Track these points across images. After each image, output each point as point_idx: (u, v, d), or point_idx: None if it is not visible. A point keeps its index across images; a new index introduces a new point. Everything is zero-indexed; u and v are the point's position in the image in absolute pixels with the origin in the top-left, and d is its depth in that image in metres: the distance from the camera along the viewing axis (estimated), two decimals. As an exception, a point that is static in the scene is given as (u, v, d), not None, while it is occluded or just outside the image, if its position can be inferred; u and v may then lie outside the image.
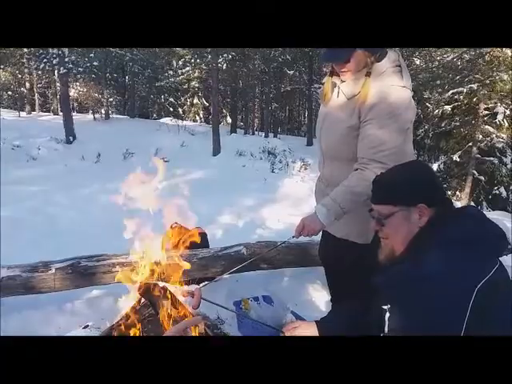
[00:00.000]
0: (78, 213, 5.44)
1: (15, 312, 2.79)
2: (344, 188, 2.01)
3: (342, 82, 1.99)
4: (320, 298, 3.23)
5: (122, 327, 1.91)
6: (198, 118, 22.30)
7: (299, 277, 3.44)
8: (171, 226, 3.67)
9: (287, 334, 1.83)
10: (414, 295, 1.31)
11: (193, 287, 2.06)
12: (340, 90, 2.02)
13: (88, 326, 2.38)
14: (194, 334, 1.80)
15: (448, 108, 10.51)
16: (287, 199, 6.61)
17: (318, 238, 3.59)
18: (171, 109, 22.78)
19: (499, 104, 9.69)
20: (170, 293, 1.96)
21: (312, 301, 3.22)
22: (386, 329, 1.39)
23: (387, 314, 1.40)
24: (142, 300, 2.00)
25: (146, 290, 1.96)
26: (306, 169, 8.98)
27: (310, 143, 17.78)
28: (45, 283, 2.76)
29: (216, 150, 10.23)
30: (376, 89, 1.88)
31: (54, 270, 2.79)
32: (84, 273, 2.85)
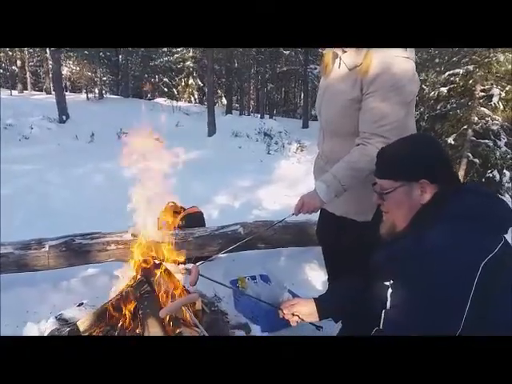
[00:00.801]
0: (71, 192, 5.37)
1: (10, 289, 2.76)
2: (345, 164, 1.97)
3: (344, 52, 1.93)
4: (317, 278, 3.22)
5: (118, 303, 1.88)
6: (192, 98, 22.06)
7: (296, 256, 3.42)
8: (167, 205, 3.64)
9: (285, 311, 1.81)
10: (417, 270, 1.28)
11: (190, 265, 2.03)
12: (341, 60, 1.96)
13: (83, 303, 2.35)
14: (191, 311, 1.78)
15: (444, 90, 10.43)
16: (283, 180, 6.57)
17: (315, 217, 3.58)
18: (165, 89, 22.49)
19: (495, 86, 9.63)
20: (167, 270, 1.93)
21: (309, 280, 3.21)
22: (388, 305, 1.37)
23: (389, 290, 1.37)
24: (138, 277, 1.97)
25: (143, 267, 1.93)
26: (302, 150, 8.93)
27: (305, 125, 17.67)
28: (38, 261, 2.73)
29: (211, 131, 10.13)
30: (379, 59, 1.82)
31: (47, 248, 2.75)
32: (78, 250, 2.82)
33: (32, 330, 2.27)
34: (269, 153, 8.75)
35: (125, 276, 2.07)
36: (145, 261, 1.94)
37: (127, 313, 1.86)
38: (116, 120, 10.53)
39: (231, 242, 3.15)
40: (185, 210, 3.48)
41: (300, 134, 11.20)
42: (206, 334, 1.64)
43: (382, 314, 1.39)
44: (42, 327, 2.27)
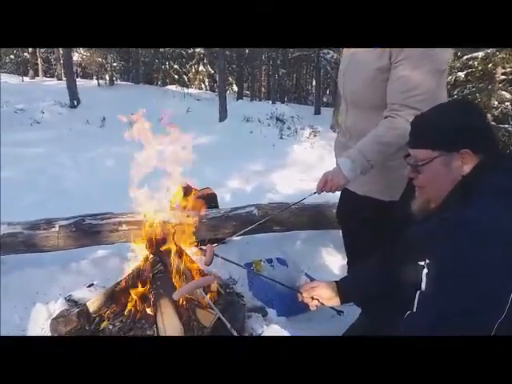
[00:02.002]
0: (83, 175, 5.30)
1: (19, 270, 2.70)
2: (371, 138, 1.84)
3: None
4: (334, 262, 3.10)
5: (129, 284, 1.78)
6: (203, 85, 21.87)
7: (312, 240, 3.31)
8: (179, 186, 3.54)
9: (305, 294, 1.71)
10: (458, 248, 1.16)
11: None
12: None
13: (93, 284, 2.27)
14: (207, 292, 1.68)
15: (461, 75, 10.15)
16: (297, 165, 6.43)
17: (333, 199, 3.46)
18: (176, 76, 22.31)
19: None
20: (181, 249, 1.83)
21: (325, 265, 3.09)
22: (423, 286, 1.25)
23: (425, 271, 1.25)
24: (151, 256, 1.87)
25: (156, 246, 1.83)
26: (315, 135, 8.76)
27: (317, 112, 17.43)
28: (48, 241, 2.65)
29: (223, 116, 9.99)
30: None
31: (57, 228, 2.67)
32: (88, 231, 2.73)
33: (41, 311, 2.19)
34: (281, 137, 8.59)
35: (137, 256, 1.96)
36: (158, 240, 1.84)
37: (139, 293, 1.77)
38: (127, 105, 10.40)
39: (245, 224, 3.04)
40: (198, 191, 3.38)
41: (312, 120, 11.01)
42: (222, 317, 1.54)
43: (416, 297, 1.27)
44: (51, 308, 2.20)
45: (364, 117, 1.99)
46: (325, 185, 1.88)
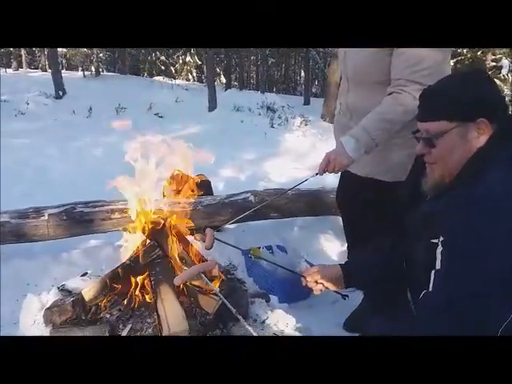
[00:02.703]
0: (71, 165, 5.16)
1: (8, 262, 2.60)
2: (376, 115, 1.78)
3: None
4: (333, 248, 3.05)
5: (126, 270, 1.70)
6: (190, 76, 21.59)
7: (310, 226, 3.25)
8: (172, 174, 3.45)
9: (308, 278, 1.66)
10: (471, 225, 1.11)
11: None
12: None
13: (87, 273, 2.18)
14: (208, 278, 1.61)
15: (451, 62, 10.15)
16: (289, 153, 6.36)
17: (330, 184, 3.40)
18: (163, 67, 21.99)
19: (504, 57, 9.34)
20: (180, 232, 1.75)
21: (324, 251, 3.04)
22: (438, 264, 1.19)
23: (439, 249, 1.19)
24: (148, 242, 1.78)
25: (153, 231, 1.75)
26: (306, 124, 8.67)
27: (307, 102, 17.32)
28: (37, 230, 2.55)
29: (212, 106, 9.85)
30: None
31: (46, 217, 2.57)
32: (80, 219, 2.64)
33: (33, 302, 2.10)
34: (272, 126, 8.49)
35: (132, 242, 1.88)
36: (154, 224, 1.76)
37: (137, 280, 1.69)
38: (114, 96, 10.24)
39: (242, 211, 2.97)
40: (191, 178, 3.29)
41: (302, 110, 10.90)
42: (226, 302, 1.47)
43: (432, 275, 1.21)
44: (43, 299, 2.10)
45: (366, 95, 1.92)
46: (327, 165, 1.82)
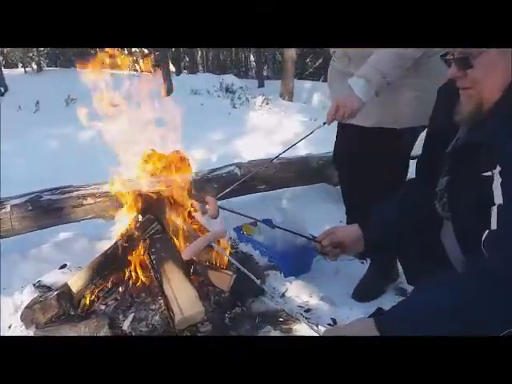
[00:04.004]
0: (28, 160, 4.72)
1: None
2: (387, 51, 1.60)
3: None
4: (331, 217, 2.87)
5: (120, 251, 1.44)
6: (137, 67, 20.85)
7: (301, 196, 3.06)
8: (145, 153, 3.15)
9: (324, 242, 1.48)
10: None
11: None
12: None
13: (66, 265, 1.89)
14: (217, 248, 1.38)
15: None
16: (257, 131, 6.12)
17: (318, 149, 3.22)
18: (107, 59, 21.04)
19: None
20: (176, 202, 1.50)
21: (322, 221, 2.84)
22: (499, 198, 1.02)
23: (496, 181, 1.03)
24: (142, 216, 1.52)
25: (147, 203, 1.50)
26: (267, 103, 8.45)
27: (261, 85, 17.08)
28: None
29: (168, 90, 9.42)
30: None
31: (9, 208, 2.23)
32: (48, 208, 2.32)
33: (5, 304, 1.79)
34: (234, 107, 8.20)
35: (122, 215, 1.61)
36: (148, 195, 1.50)
37: (135, 260, 1.43)
38: (60, 88, 9.60)
39: (228, 185, 2.74)
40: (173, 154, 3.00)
41: (259, 92, 10.68)
42: (248, 273, 1.25)
43: (493, 212, 1.04)
44: (17, 300, 1.80)
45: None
46: (336, 112, 1.63)
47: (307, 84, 12.40)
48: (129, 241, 1.42)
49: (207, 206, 1.51)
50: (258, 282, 1.23)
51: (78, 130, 5.24)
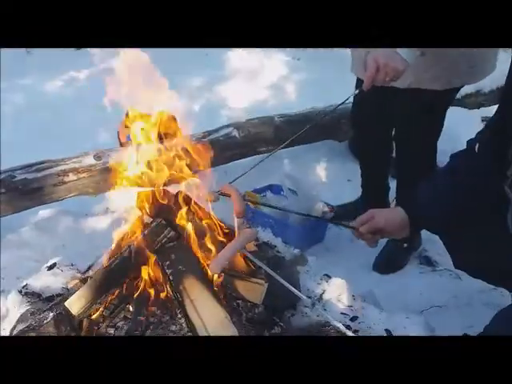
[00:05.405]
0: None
1: None
2: None
3: None
4: (342, 180, 2.65)
5: (126, 265, 1.18)
6: None
7: (304, 156, 2.80)
8: (125, 114, 2.78)
9: (363, 229, 1.29)
10: None
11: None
12: None
13: (55, 264, 1.62)
14: (247, 253, 1.15)
15: None
16: (239, 74, 5.69)
17: (320, 103, 2.92)
18: None
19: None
20: (187, 197, 1.23)
21: (333, 185, 2.63)
22: None
23: None
24: (146, 219, 1.25)
25: (156, 204, 1.22)
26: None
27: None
28: (-31, 213, 1.90)
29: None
30: None
31: (-23, 193, 1.91)
32: (24, 190, 2.01)
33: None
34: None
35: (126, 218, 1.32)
36: (155, 193, 1.22)
37: (146, 276, 1.18)
38: None
39: (226, 149, 2.47)
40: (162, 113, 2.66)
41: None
42: (287, 284, 1.05)
43: None
44: (1, 307, 1.55)
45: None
46: (377, 73, 1.35)
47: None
48: (138, 252, 1.15)
49: (230, 198, 1.26)
50: (301, 295, 1.03)
51: (42, 80, 4.72)
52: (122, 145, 2.81)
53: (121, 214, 2.40)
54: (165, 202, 1.19)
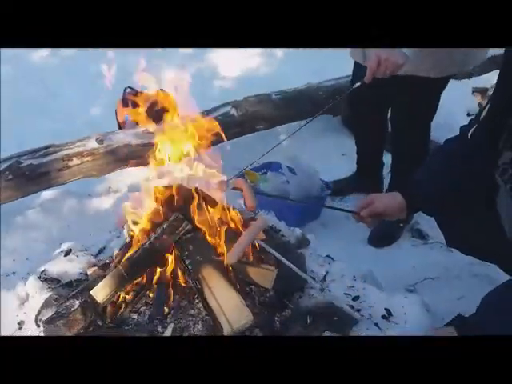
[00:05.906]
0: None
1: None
2: None
3: None
4: (329, 152, 2.72)
5: (148, 256, 1.27)
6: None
7: (300, 133, 2.85)
8: (122, 96, 2.78)
9: (363, 213, 1.38)
10: None
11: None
12: None
13: (71, 251, 1.70)
14: (260, 242, 1.25)
15: None
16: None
17: (317, 78, 2.94)
18: None
19: None
20: (199, 190, 1.31)
21: (332, 161, 2.70)
22: None
23: None
24: (163, 213, 1.32)
25: (171, 199, 1.29)
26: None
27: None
28: (-22, 200, 1.95)
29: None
30: None
31: (-16, 180, 1.95)
32: (30, 175, 2.05)
33: (8, 299, 1.62)
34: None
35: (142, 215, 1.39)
36: (170, 188, 1.29)
37: (167, 265, 1.27)
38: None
39: (225, 129, 2.49)
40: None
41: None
42: (296, 269, 1.15)
43: None
44: (20, 292, 1.63)
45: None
46: (378, 67, 1.42)
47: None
48: (160, 244, 1.24)
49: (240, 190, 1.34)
50: (309, 280, 1.13)
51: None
52: (119, 124, 2.83)
53: (123, 193, 2.49)
54: (180, 196, 1.26)
